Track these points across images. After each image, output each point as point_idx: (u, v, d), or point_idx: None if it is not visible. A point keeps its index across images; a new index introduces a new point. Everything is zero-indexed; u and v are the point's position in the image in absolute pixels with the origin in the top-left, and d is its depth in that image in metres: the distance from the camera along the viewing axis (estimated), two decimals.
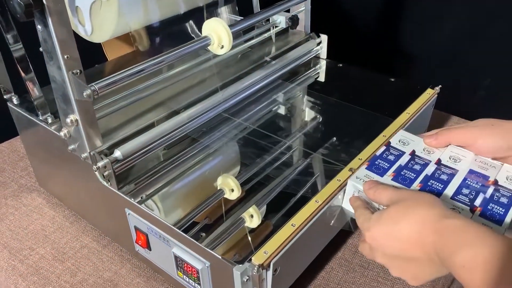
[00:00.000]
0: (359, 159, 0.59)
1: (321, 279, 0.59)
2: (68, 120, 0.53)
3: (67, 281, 0.60)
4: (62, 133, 0.56)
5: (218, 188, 0.59)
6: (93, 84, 0.50)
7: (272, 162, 0.64)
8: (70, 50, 0.49)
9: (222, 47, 0.59)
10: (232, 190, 0.58)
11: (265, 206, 0.57)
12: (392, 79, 0.81)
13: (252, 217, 0.54)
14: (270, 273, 0.46)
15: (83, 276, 0.61)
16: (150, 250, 0.57)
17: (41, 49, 0.50)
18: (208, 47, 0.60)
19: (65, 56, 0.48)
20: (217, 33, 0.59)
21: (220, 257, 0.46)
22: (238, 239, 0.53)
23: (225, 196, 0.58)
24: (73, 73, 0.49)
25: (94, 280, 0.60)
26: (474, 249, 0.37)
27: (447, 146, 0.56)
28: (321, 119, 0.74)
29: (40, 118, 0.62)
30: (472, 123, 0.54)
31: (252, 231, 0.54)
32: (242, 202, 0.58)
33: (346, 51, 0.99)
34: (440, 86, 0.74)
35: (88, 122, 0.53)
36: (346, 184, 0.54)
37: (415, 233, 0.41)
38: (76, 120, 0.53)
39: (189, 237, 0.49)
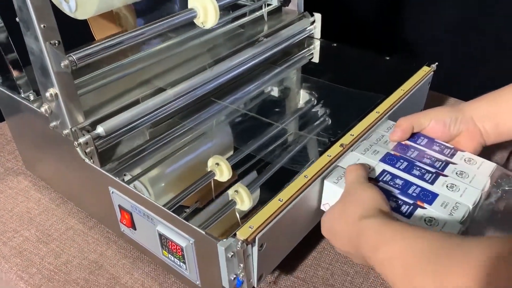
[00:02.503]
0: (350, 135, 0.57)
1: (312, 259, 0.58)
2: (48, 94, 0.51)
3: (51, 262, 0.59)
4: (43, 109, 0.54)
5: (209, 170, 0.57)
6: (71, 54, 0.48)
7: (264, 141, 0.62)
8: (47, 19, 0.47)
9: (208, 20, 0.57)
10: (223, 172, 0.56)
11: (258, 190, 0.55)
12: (387, 58, 0.78)
13: (243, 198, 0.51)
14: (255, 248, 0.44)
15: (68, 258, 0.59)
16: (135, 229, 0.55)
17: (17, 19, 0.48)
18: (193, 20, 0.57)
19: (42, 25, 0.46)
20: (203, 5, 0.57)
21: (204, 232, 0.45)
22: (225, 216, 0.51)
23: (216, 178, 0.56)
24: (50, 43, 0.47)
25: (78, 261, 0.59)
26: (390, 245, 0.38)
27: (413, 134, 0.56)
28: (315, 99, 0.72)
29: (22, 95, 0.60)
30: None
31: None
32: (233, 184, 0.56)
33: (341, 31, 0.96)
34: (436, 63, 0.72)
35: (68, 96, 0.51)
36: (336, 160, 0.52)
37: (346, 236, 0.45)
38: (56, 94, 0.51)
39: (172, 213, 0.47)
